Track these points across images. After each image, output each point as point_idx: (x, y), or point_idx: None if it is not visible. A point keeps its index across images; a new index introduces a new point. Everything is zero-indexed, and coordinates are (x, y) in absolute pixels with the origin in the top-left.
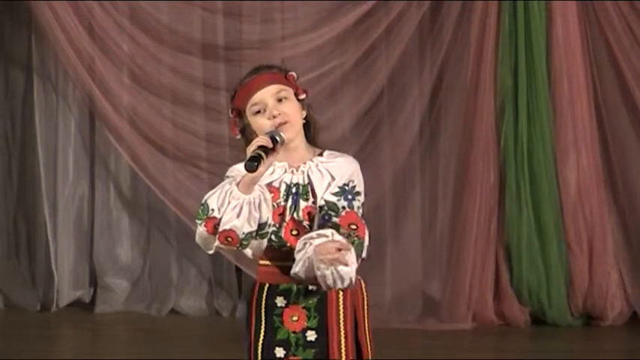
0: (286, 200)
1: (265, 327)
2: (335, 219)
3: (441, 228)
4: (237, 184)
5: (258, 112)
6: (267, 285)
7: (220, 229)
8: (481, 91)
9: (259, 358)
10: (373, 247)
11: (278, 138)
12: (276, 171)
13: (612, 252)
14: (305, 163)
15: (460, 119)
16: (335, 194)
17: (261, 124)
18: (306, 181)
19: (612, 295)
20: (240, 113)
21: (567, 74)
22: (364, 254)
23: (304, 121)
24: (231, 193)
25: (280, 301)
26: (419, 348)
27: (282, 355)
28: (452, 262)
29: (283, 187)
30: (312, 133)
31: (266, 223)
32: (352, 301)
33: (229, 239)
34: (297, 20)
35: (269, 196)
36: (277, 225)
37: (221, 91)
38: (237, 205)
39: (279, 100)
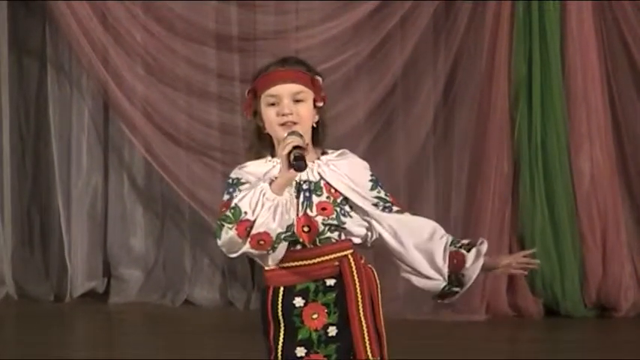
0: (297, 197)
1: (285, 330)
2: (395, 208)
3: (454, 218)
4: (270, 185)
5: (272, 104)
6: (281, 288)
7: (253, 232)
8: (495, 82)
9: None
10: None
11: (303, 138)
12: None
13: (626, 243)
14: (313, 162)
15: (474, 110)
16: (372, 189)
17: (270, 116)
18: (317, 178)
19: (626, 286)
20: (256, 95)
21: (581, 65)
22: None
23: (314, 126)
24: (264, 194)
25: (299, 302)
26: (433, 339)
27: (303, 354)
28: None
29: (293, 185)
30: (319, 137)
31: (292, 224)
32: (369, 290)
33: (262, 242)
34: (311, 11)
35: (294, 199)
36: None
37: (235, 82)
38: (271, 206)
39: (296, 101)
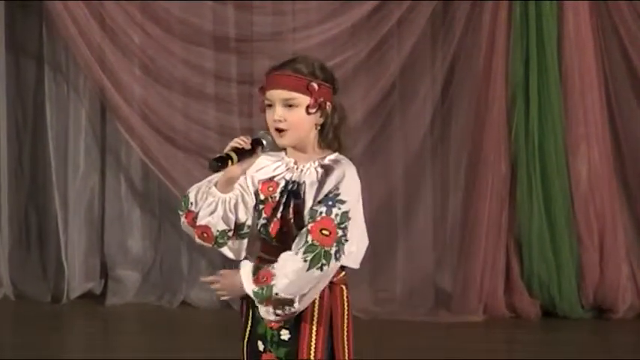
0: (281, 196)
1: (252, 319)
2: (309, 224)
3: (452, 220)
4: (217, 182)
5: (269, 105)
6: None
7: (197, 224)
8: (493, 83)
9: (244, 349)
10: (384, 239)
11: (264, 142)
12: (281, 167)
13: (623, 244)
14: (308, 164)
15: (471, 111)
16: (320, 202)
17: (267, 118)
18: (302, 180)
19: (623, 288)
20: (264, 93)
21: (578, 67)
22: (345, 262)
23: (319, 127)
24: (209, 189)
25: None
26: (430, 340)
27: (262, 349)
28: (463, 254)
29: (282, 183)
30: (325, 139)
31: (244, 224)
32: (329, 307)
33: (205, 235)
34: (308, 12)
35: (250, 197)
36: (267, 218)
37: (232, 83)
38: (212, 202)
39: (289, 106)
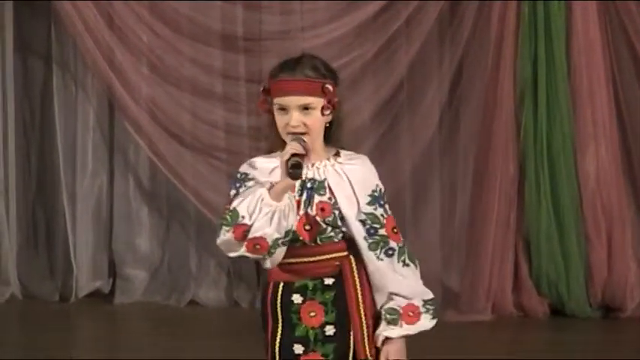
0: (301, 195)
1: (283, 325)
2: (381, 231)
3: (460, 219)
4: (269, 191)
5: (282, 109)
6: (281, 283)
7: (250, 237)
8: (501, 82)
9: (277, 356)
10: None
11: (305, 145)
12: None
13: (631, 243)
14: (321, 161)
15: (480, 110)
16: (369, 204)
17: (280, 123)
18: (323, 178)
19: (631, 287)
20: (269, 94)
21: (587, 66)
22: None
23: (327, 125)
24: (262, 200)
25: (297, 298)
26: (437, 339)
27: (301, 352)
28: (471, 253)
29: (298, 182)
30: (333, 135)
31: (291, 229)
32: (371, 295)
33: (258, 247)
34: (316, 11)
35: (294, 202)
36: None
37: (240, 82)
38: (269, 212)
39: (305, 109)
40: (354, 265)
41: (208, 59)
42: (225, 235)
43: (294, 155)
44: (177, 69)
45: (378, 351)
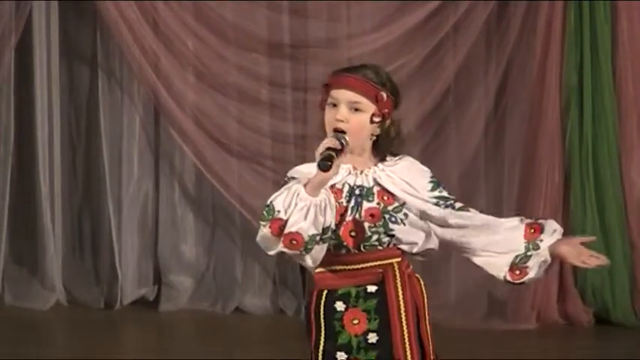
0: (348, 201)
1: (326, 333)
2: (458, 204)
3: None
4: (305, 186)
5: (333, 104)
6: (325, 291)
7: (286, 231)
8: (546, 91)
9: None
10: (438, 246)
11: (343, 141)
12: (340, 172)
13: None
14: (369, 168)
15: (525, 118)
16: (432, 189)
17: (328, 117)
18: (371, 184)
19: None
20: (328, 90)
21: (633, 74)
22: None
23: (374, 138)
24: (298, 194)
25: (340, 306)
26: (483, 347)
27: (344, 359)
28: None
29: (346, 189)
30: (380, 148)
31: (329, 227)
32: (413, 301)
33: (294, 242)
34: (363, 18)
35: (333, 200)
36: (336, 224)
37: (286, 89)
38: (304, 206)
39: (355, 109)
40: (397, 272)
41: (254, 66)
42: (263, 231)
43: (328, 149)
44: (222, 76)
45: (422, 354)
